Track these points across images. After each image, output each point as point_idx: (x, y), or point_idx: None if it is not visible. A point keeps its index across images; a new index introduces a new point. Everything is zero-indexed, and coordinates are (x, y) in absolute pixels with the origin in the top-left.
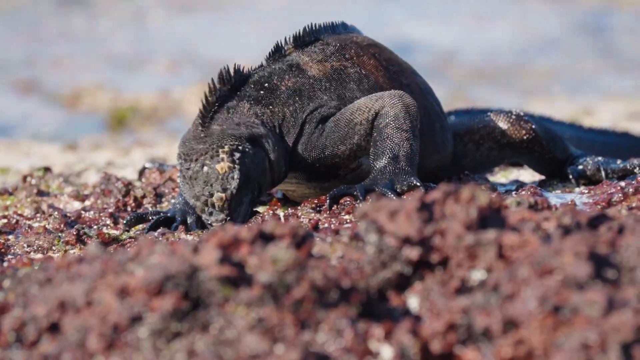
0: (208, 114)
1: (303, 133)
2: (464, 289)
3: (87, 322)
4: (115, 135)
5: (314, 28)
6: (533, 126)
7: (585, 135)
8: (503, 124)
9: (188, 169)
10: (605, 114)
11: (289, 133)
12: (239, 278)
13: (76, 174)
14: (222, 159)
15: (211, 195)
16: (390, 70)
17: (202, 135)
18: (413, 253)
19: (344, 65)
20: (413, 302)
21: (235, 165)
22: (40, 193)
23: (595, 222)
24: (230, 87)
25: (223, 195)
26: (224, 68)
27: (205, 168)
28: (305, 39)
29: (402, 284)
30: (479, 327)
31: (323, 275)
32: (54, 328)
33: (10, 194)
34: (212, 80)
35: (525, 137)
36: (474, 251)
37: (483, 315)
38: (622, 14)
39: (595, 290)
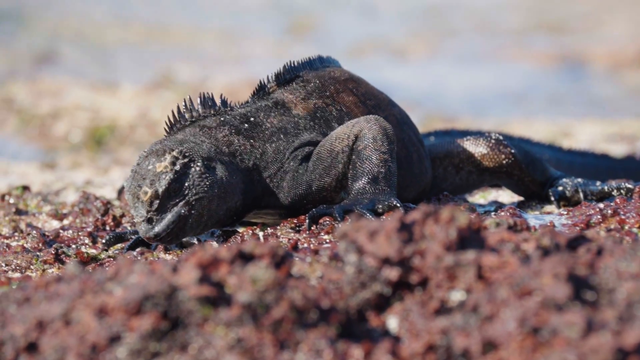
0: (176, 123)
1: (286, 170)
2: (443, 309)
3: (66, 341)
4: (94, 154)
5: (293, 65)
6: (512, 150)
7: (564, 157)
8: (482, 149)
9: (139, 164)
10: (584, 136)
11: (266, 169)
12: (218, 298)
13: (55, 193)
14: (165, 159)
15: (140, 187)
16: (369, 105)
17: (164, 139)
18: (392, 273)
19: (325, 102)
20: (392, 322)
21: (173, 168)
22: (19, 212)
23: (574, 243)
24: (215, 112)
25: (149, 190)
26: (208, 94)
27: (150, 165)
28: (286, 76)
29: (381, 304)
30: (458, 348)
31: (302, 296)
32: (31, 348)
33: None
34: (190, 98)
35: (504, 162)
36: (454, 272)
37: (462, 336)
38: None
39: (574, 312)
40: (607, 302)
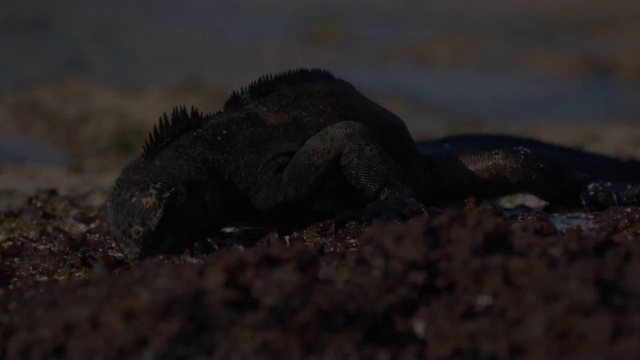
0: (154, 147)
1: (260, 182)
2: (470, 314)
3: (93, 345)
4: (121, 158)
5: (270, 78)
6: (541, 165)
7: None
8: (512, 163)
9: (119, 195)
10: (611, 140)
11: (241, 182)
12: (245, 302)
13: (82, 197)
14: (150, 194)
15: (130, 226)
16: (348, 117)
17: (142, 166)
18: (419, 278)
19: (301, 114)
20: (419, 327)
21: (161, 204)
22: (46, 215)
23: (602, 248)
24: (186, 127)
25: (141, 229)
26: (180, 107)
27: (134, 199)
28: (262, 89)
29: (408, 308)
30: (485, 352)
31: (329, 300)
32: (59, 351)
33: (16, 216)
34: (165, 115)
35: (533, 177)
36: (480, 276)
37: (489, 340)
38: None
39: (601, 317)
40: (634, 306)
